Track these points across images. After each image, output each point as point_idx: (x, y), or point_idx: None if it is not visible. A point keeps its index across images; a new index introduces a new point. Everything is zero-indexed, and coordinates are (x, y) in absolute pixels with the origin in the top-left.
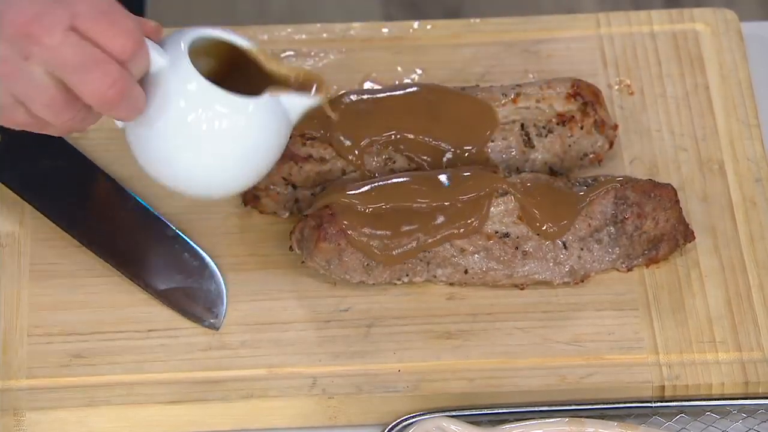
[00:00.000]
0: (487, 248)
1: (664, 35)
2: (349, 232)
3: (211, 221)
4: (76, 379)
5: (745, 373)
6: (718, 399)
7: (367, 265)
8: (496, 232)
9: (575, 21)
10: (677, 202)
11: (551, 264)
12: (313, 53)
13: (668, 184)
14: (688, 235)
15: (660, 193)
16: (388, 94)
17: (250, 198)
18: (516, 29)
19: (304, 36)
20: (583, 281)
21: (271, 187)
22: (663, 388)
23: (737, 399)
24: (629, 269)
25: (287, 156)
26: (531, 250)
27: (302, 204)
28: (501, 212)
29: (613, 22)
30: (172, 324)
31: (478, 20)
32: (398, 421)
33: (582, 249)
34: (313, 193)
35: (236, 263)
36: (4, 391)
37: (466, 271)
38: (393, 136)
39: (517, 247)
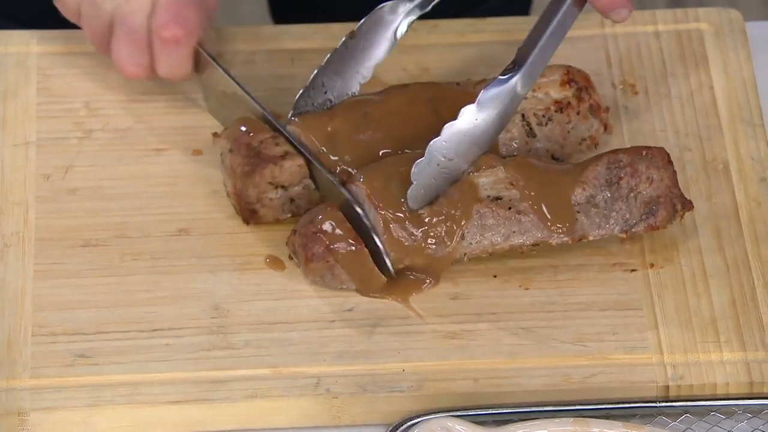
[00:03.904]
0: (480, 213)
1: (669, 35)
2: (336, 250)
3: (216, 221)
4: (80, 379)
5: (749, 373)
6: (722, 399)
7: None
8: (488, 196)
9: (580, 21)
10: (670, 162)
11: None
12: (315, 55)
13: (660, 147)
14: (686, 203)
15: (652, 153)
16: (388, 96)
17: (248, 214)
18: (520, 29)
19: (306, 38)
20: (581, 240)
21: (263, 195)
22: (667, 388)
23: (742, 399)
24: (629, 236)
25: (265, 160)
26: (525, 209)
27: (298, 201)
28: (491, 181)
29: None
30: (176, 324)
31: (481, 20)
32: (402, 420)
33: (578, 213)
34: (304, 186)
35: (240, 263)
36: (8, 390)
37: (463, 236)
38: (398, 150)
39: (510, 208)
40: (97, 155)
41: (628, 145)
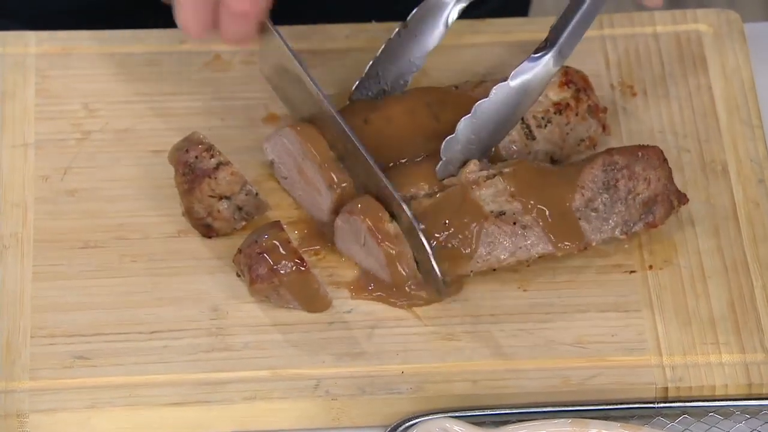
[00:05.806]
0: (487, 231)
1: (667, 36)
2: (280, 271)
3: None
4: (79, 381)
5: (748, 374)
6: (721, 400)
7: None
8: (492, 212)
9: None
10: (665, 161)
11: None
12: (313, 56)
13: (654, 146)
14: (681, 197)
15: (647, 153)
16: (387, 102)
17: (205, 230)
18: (518, 30)
19: (303, 38)
20: (586, 248)
21: (211, 209)
22: (666, 389)
23: (740, 400)
24: (629, 236)
25: (201, 175)
26: (529, 223)
27: (246, 209)
28: (492, 194)
29: (616, 23)
30: (175, 326)
31: (479, 21)
32: (401, 422)
33: (579, 220)
34: (247, 192)
35: None
36: (7, 392)
37: (471, 257)
38: (398, 157)
39: (514, 223)
40: (96, 156)
41: None
